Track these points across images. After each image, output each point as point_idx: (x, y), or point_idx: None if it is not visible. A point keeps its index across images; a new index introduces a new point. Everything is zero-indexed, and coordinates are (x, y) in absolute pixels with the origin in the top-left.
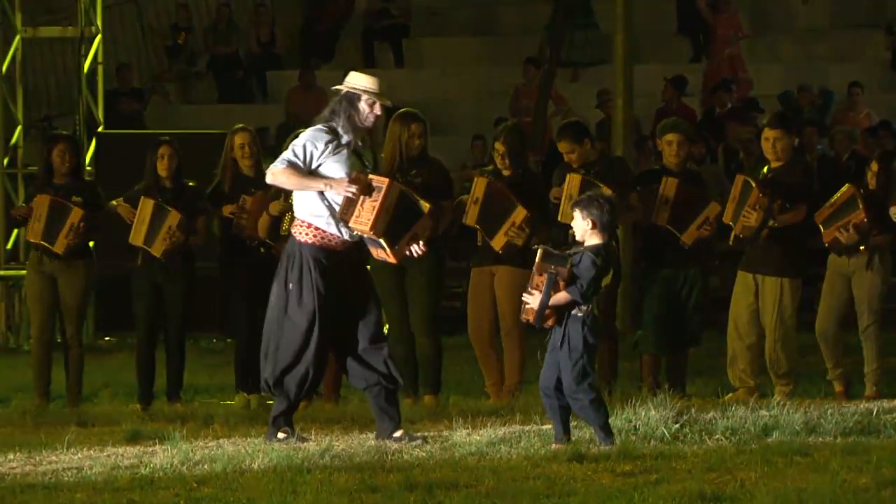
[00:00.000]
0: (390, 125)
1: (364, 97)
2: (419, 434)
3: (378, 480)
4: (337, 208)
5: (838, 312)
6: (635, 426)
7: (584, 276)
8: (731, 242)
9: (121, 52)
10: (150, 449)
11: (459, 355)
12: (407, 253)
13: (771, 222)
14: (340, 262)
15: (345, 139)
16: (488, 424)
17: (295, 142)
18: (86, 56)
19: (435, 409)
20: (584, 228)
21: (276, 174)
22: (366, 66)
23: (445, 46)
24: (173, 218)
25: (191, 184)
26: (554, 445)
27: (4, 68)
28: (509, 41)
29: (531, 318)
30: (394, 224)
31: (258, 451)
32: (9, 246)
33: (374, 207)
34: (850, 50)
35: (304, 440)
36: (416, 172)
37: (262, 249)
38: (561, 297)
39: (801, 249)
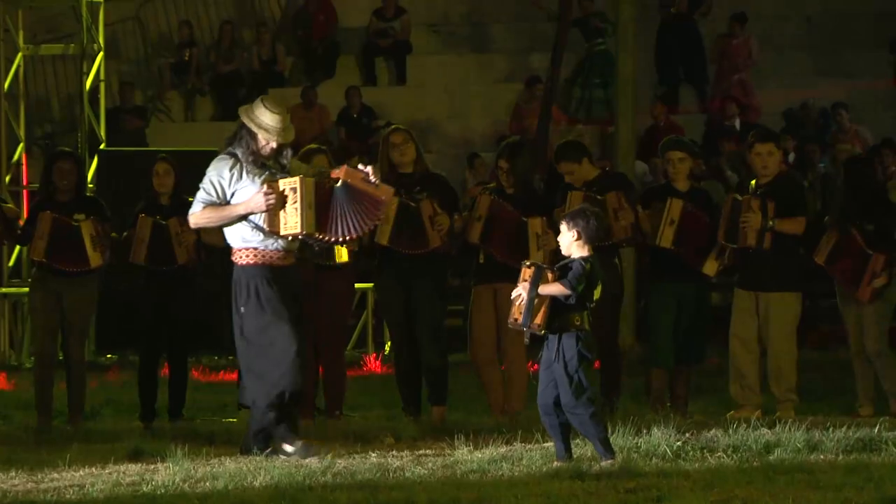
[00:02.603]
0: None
1: (261, 135)
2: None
3: (380, 498)
4: (263, 226)
5: (860, 334)
6: (637, 444)
7: (574, 272)
8: (726, 260)
9: (123, 70)
10: (152, 466)
11: (461, 373)
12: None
13: (770, 223)
14: (286, 282)
15: (247, 161)
16: (490, 442)
17: (203, 182)
18: (88, 73)
19: (442, 422)
20: (569, 240)
21: (197, 217)
22: (366, 83)
23: (447, 64)
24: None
25: (190, 199)
26: (556, 463)
27: (7, 85)
28: (511, 59)
29: (518, 317)
30: (324, 215)
31: (260, 468)
32: (11, 263)
33: (296, 209)
34: (853, 68)
35: (275, 453)
36: (419, 189)
37: None
38: (552, 287)
39: (799, 263)
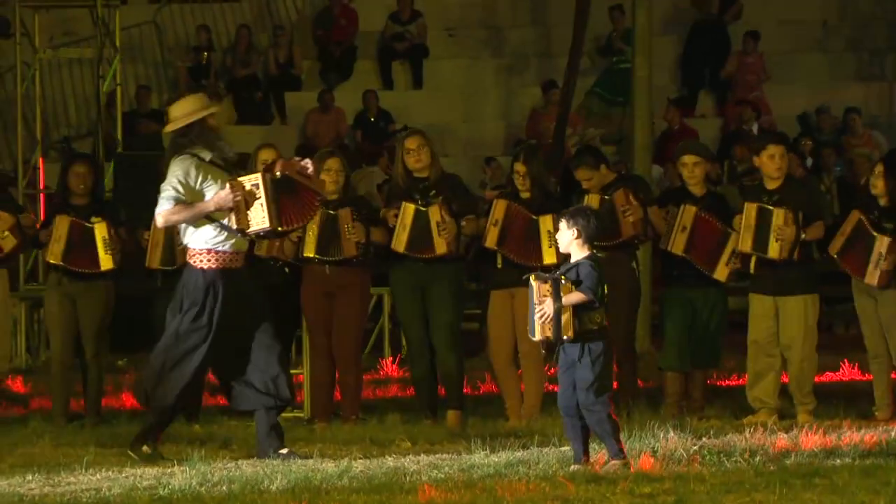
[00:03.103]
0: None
1: (209, 118)
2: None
3: (396, 502)
4: (227, 225)
5: (880, 333)
6: (654, 448)
7: (589, 277)
8: (752, 270)
9: (140, 74)
10: (169, 470)
11: (478, 376)
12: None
13: (803, 235)
14: (239, 283)
15: (206, 158)
16: (507, 446)
17: (168, 180)
18: (105, 77)
19: (457, 426)
20: (569, 239)
21: (166, 215)
22: (383, 87)
23: (464, 68)
24: None
25: None
26: (573, 466)
27: (24, 89)
28: (528, 63)
29: (549, 334)
30: (284, 207)
31: (276, 472)
32: (28, 266)
33: (262, 205)
34: (870, 72)
35: (161, 457)
36: (434, 193)
37: (287, 269)
38: (575, 296)
39: (815, 266)
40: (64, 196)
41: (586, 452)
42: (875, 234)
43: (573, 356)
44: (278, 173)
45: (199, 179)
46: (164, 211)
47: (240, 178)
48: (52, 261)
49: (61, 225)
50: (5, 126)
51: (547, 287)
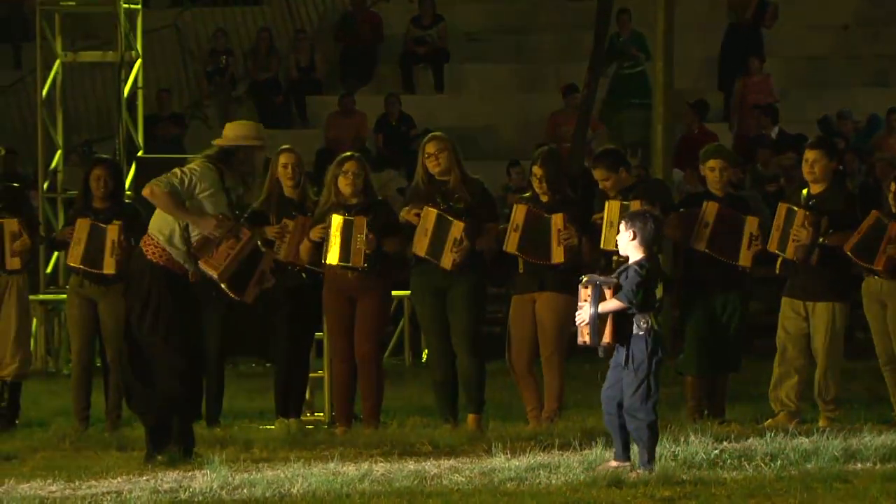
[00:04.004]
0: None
1: (258, 149)
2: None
3: None
4: (190, 238)
5: (887, 343)
6: (675, 452)
7: (629, 282)
8: (777, 271)
9: (161, 77)
10: (190, 473)
11: (499, 381)
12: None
13: (821, 240)
14: (186, 287)
15: (226, 184)
16: (527, 450)
17: (185, 170)
18: (126, 81)
19: (477, 430)
20: (626, 240)
21: (157, 194)
22: (405, 91)
23: (485, 72)
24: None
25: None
26: (613, 463)
27: (45, 92)
28: (549, 67)
29: (587, 339)
30: (238, 271)
31: (298, 475)
32: (49, 270)
33: (228, 255)
34: (889, 76)
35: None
36: (458, 197)
37: (304, 275)
38: (610, 304)
39: (848, 273)
40: (86, 199)
41: (627, 452)
42: (887, 221)
43: (620, 358)
44: (260, 245)
45: (204, 194)
46: (158, 190)
47: (234, 223)
48: (72, 263)
49: (81, 228)
50: (26, 130)
51: (587, 292)
